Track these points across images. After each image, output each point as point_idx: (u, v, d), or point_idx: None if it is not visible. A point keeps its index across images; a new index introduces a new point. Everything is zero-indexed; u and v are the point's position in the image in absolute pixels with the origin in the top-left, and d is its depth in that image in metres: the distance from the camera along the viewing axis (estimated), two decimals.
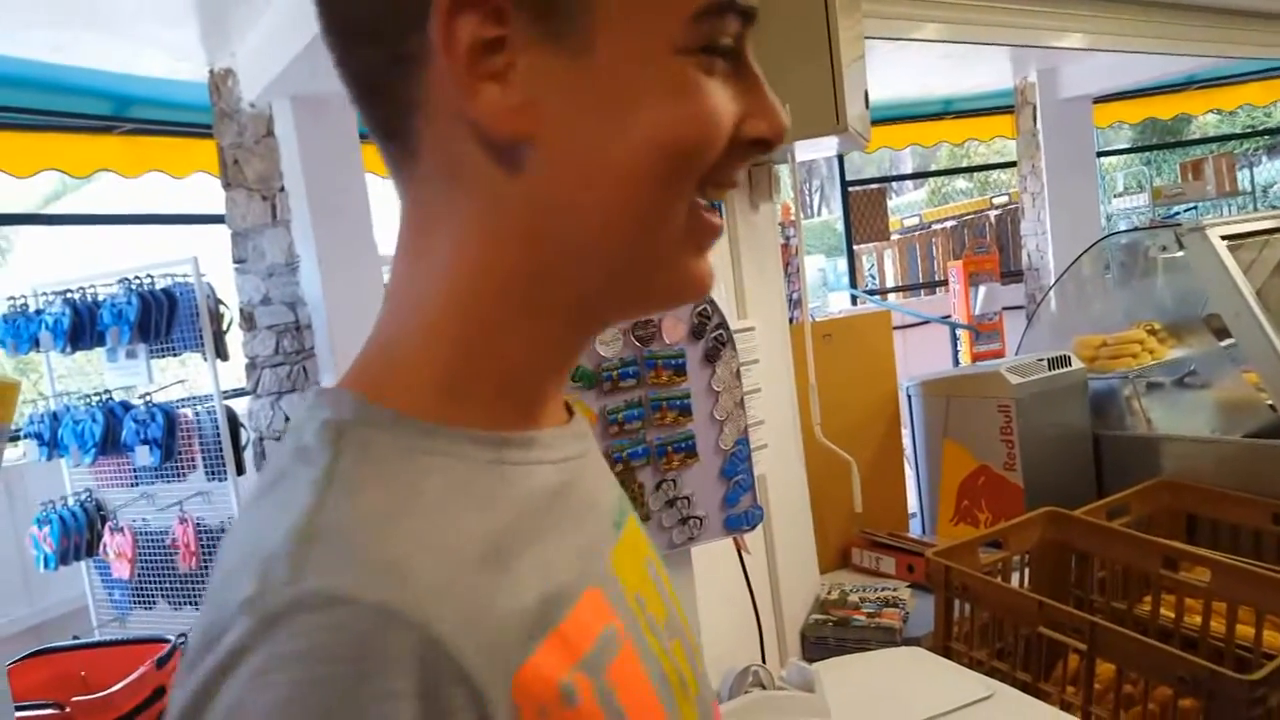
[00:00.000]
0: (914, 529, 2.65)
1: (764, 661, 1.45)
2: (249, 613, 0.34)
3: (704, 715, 0.50)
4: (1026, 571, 1.97)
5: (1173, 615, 1.78)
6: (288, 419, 3.53)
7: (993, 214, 8.93)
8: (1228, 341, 2.36)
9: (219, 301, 3.12)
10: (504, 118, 0.40)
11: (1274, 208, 10.27)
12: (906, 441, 2.67)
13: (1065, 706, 1.53)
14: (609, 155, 0.41)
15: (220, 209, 3.69)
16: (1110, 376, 2.51)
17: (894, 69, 5.62)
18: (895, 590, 2.03)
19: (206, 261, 3.15)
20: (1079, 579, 1.96)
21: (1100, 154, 7.59)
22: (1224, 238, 2.19)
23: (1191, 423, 2.42)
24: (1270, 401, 2.14)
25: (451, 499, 0.40)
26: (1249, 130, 11.32)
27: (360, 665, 0.33)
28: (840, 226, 7.66)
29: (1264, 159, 11.26)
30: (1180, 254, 2.26)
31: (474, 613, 0.36)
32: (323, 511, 0.37)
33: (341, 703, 0.32)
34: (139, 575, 3.10)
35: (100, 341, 3.07)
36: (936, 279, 8.66)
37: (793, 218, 3.45)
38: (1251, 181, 7.84)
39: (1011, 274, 7.28)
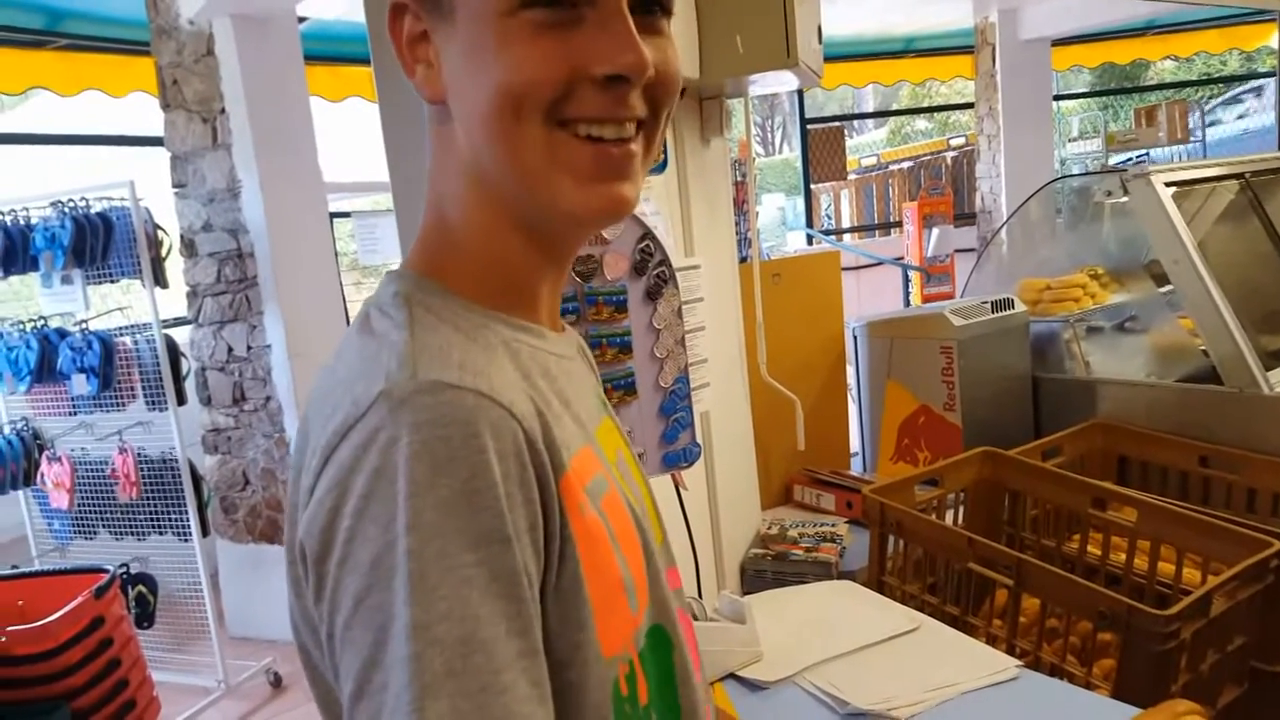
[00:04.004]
0: (855, 467, 2.70)
1: (700, 595, 1.48)
2: (381, 401, 0.47)
3: (666, 563, 0.66)
4: (962, 509, 2.02)
5: (1099, 553, 1.85)
6: (230, 349, 3.46)
7: (949, 155, 8.95)
8: (1167, 288, 2.41)
9: (157, 227, 3.01)
10: (427, 87, 0.56)
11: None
12: (851, 381, 2.70)
13: (991, 639, 1.59)
14: (472, 102, 0.54)
15: (159, 131, 3.54)
16: (1052, 320, 2.55)
17: (855, 5, 5.52)
18: (834, 526, 2.08)
19: (145, 185, 3.02)
20: (1012, 517, 2.02)
21: (1057, 98, 7.60)
22: (1169, 184, 2.21)
23: (1128, 367, 2.47)
24: (1204, 347, 2.20)
25: (497, 348, 0.54)
26: (1205, 78, 11.42)
27: (467, 428, 0.46)
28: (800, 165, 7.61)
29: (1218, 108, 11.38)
30: (1125, 199, 2.28)
31: (534, 419, 0.50)
32: (417, 339, 0.51)
33: (455, 453, 0.45)
34: (79, 505, 3.03)
35: (33, 266, 2.96)
36: (892, 220, 8.69)
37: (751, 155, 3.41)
38: (1203, 130, 7.93)
39: (965, 216, 7.33)
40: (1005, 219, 5.23)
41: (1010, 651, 1.47)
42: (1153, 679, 1.38)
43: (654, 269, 1.40)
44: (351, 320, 0.59)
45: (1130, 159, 7.03)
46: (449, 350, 0.50)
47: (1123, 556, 1.78)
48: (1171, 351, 2.44)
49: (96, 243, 2.87)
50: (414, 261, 0.59)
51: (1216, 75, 11.43)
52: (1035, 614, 1.62)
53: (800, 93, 6.93)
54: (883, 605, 1.48)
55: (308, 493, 0.49)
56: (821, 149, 7.43)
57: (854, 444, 2.75)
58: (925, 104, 13.39)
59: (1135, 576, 1.75)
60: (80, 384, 2.89)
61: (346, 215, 5.01)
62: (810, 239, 7.35)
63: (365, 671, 0.44)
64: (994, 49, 6.14)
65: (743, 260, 2.21)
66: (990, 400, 2.38)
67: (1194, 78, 11.41)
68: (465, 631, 0.43)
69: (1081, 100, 10.97)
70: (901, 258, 6.69)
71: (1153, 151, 7.33)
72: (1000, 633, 1.62)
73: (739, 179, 2.38)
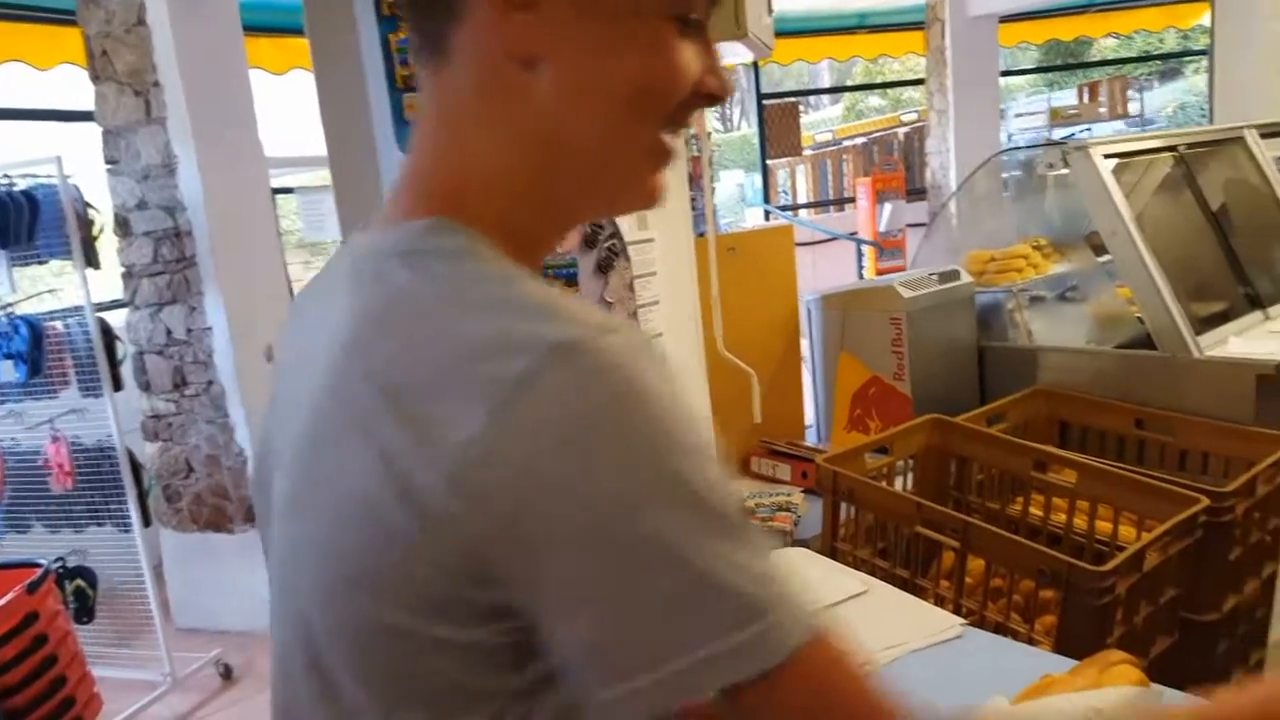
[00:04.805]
0: (811, 438, 2.73)
1: None
2: (554, 352, 0.45)
3: None
4: (911, 476, 2.05)
5: (1041, 514, 1.90)
6: (169, 332, 3.36)
7: (901, 131, 9.02)
8: (1105, 258, 2.46)
9: (88, 205, 2.89)
10: (526, 39, 0.52)
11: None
12: (806, 354, 2.72)
13: (939, 600, 1.62)
14: (600, 83, 0.53)
15: (89, 105, 3.40)
16: (996, 290, 2.60)
17: None
18: (789, 496, 2.10)
19: (75, 162, 2.91)
20: (959, 481, 2.06)
21: (1005, 74, 7.70)
22: (1108, 156, 2.25)
23: (1069, 334, 2.53)
24: (1140, 315, 2.25)
25: None
26: (1144, 55, 11.66)
27: (652, 360, 0.47)
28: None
29: (1155, 84, 11.67)
30: (1067, 172, 2.33)
31: None
32: (522, 287, 0.50)
33: (657, 382, 0.46)
34: (9, 497, 2.92)
35: None
36: (846, 195, 8.75)
37: (708, 130, 3.40)
38: (1141, 105, 8.11)
39: (916, 191, 7.41)
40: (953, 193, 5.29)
41: (957, 611, 1.50)
42: (1091, 632, 1.42)
43: (605, 242, 1.39)
44: (354, 273, 0.54)
45: (1072, 133, 7.17)
46: (559, 297, 0.50)
47: (1063, 517, 1.83)
48: (1109, 319, 2.50)
49: (21, 222, 2.75)
50: (446, 208, 0.54)
51: (1155, 52, 11.68)
52: (981, 574, 1.66)
53: (756, 68, 6.91)
54: (833, 570, 1.50)
55: (458, 463, 0.44)
56: (778, 125, 7.44)
57: (809, 415, 2.77)
58: (878, 80, 13.48)
59: (1075, 536, 1.80)
60: (7, 371, 2.78)
61: (290, 191, 4.89)
62: (768, 215, 7.38)
63: (670, 608, 0.44)
64: (944, 24, 6.19)
65: (700, 235, 2.20)
66: (938, 369, 2.42)
67: (1134, 54, 11.66)
68: (741, 521, 0.47)
69: (1028, 76, 11.14)
70: (855, 233, 6.76)
71: (1095, 127, 7.48)
72: (947, 593, 1.66)
73: (695, 154, 2.37)
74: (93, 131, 3.43)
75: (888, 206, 6.60)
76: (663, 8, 0.53)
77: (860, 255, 6.67)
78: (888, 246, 6.50)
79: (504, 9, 0.52)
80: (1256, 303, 2.43)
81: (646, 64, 0.54)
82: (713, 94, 0.57)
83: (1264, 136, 2.82)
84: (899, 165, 7.34)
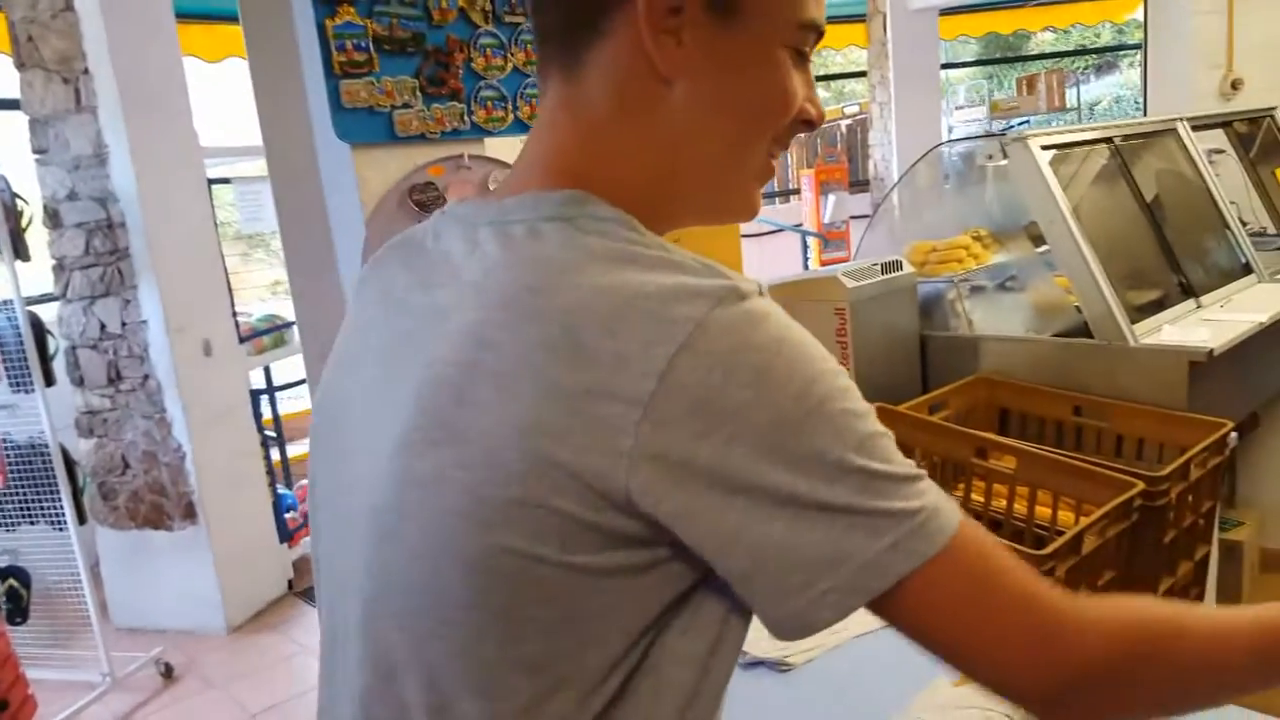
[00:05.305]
0: None
1: None
2: (730, 296, 0.51)
3: None
4: None
5: (983, 500, 1.94)
6: (103, 325, 3.25)
7: (844, 124, 9.12)
8: (1044, 248, 2.52)
9: (16, 196, 2.80)
10: (668, 61, 0.58)
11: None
12: None
13: None
14: (729, 101, 0.60)
15: (14, 93, 3.28)
16: (938, 280, 2.64)
17: None
18: None
19: (1, 151, 2.80)
20: None
21: (945, 66, 7.84)
22: (1045, 148, 2.30)
23: (1008, 323, 2.58)
24: (1077, 304, 2.31)
25: None
26: (1080, 49, 11.97)
27: (780, 309, 0.54)
28: None
29: (1091, 77, 11.99)
30: (1005, 163, 2.37)
31: None
32: (680, 251, 0.55)
33: (793, 323, 0.53)
34: None
35: None
36: (791, 187, 8.83)
37: None
38: (1078, 98, 8.32)
39: (859, 183, 7.50)
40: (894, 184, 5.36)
41: None
42: None
43: None
44: (502, 239, 0.58)
45: (1011, 125, 7.32)
46: (706, 259, 0.56)
47: (1004, 502, 1.87)
48: (1048, 308, 2.56)
49: None
50: (580, 187, 0.59)
51: (1091, 46, 11.99)
52: None
53: None
54: None
55: (650, 391, 0.49)
56: None
57: None
58: (821, 72, 13.61)
59: (1015, 521, 1.85)
60: None
61: (227, 181, 4.76)
62: None
63: (844, 510, 0.50)
64: (885, 17, 6.27)
65: None
66: (881, 358, 2.45)
67: (1071, 48, 11.95)
68: (884, 430, 0.53)
69: (968, 69, 11.35)
70: (800, 224, 6.82)
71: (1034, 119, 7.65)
72: None
73: None
74: (19, 120, 3.31)
75: (831, 198, 6.67)
76: (782, 38, 0.60)
77: (805, 246, 6.74)
78: (832, 238, 6.58)
79: (651, 34, 0.57)
80: (1189, 291, 2.51)
81: (769, 86, 0.61)
82: (810, 120, 0.64)
83: (1195, 128, 2.91)
84: (842, 157, 7.43)
